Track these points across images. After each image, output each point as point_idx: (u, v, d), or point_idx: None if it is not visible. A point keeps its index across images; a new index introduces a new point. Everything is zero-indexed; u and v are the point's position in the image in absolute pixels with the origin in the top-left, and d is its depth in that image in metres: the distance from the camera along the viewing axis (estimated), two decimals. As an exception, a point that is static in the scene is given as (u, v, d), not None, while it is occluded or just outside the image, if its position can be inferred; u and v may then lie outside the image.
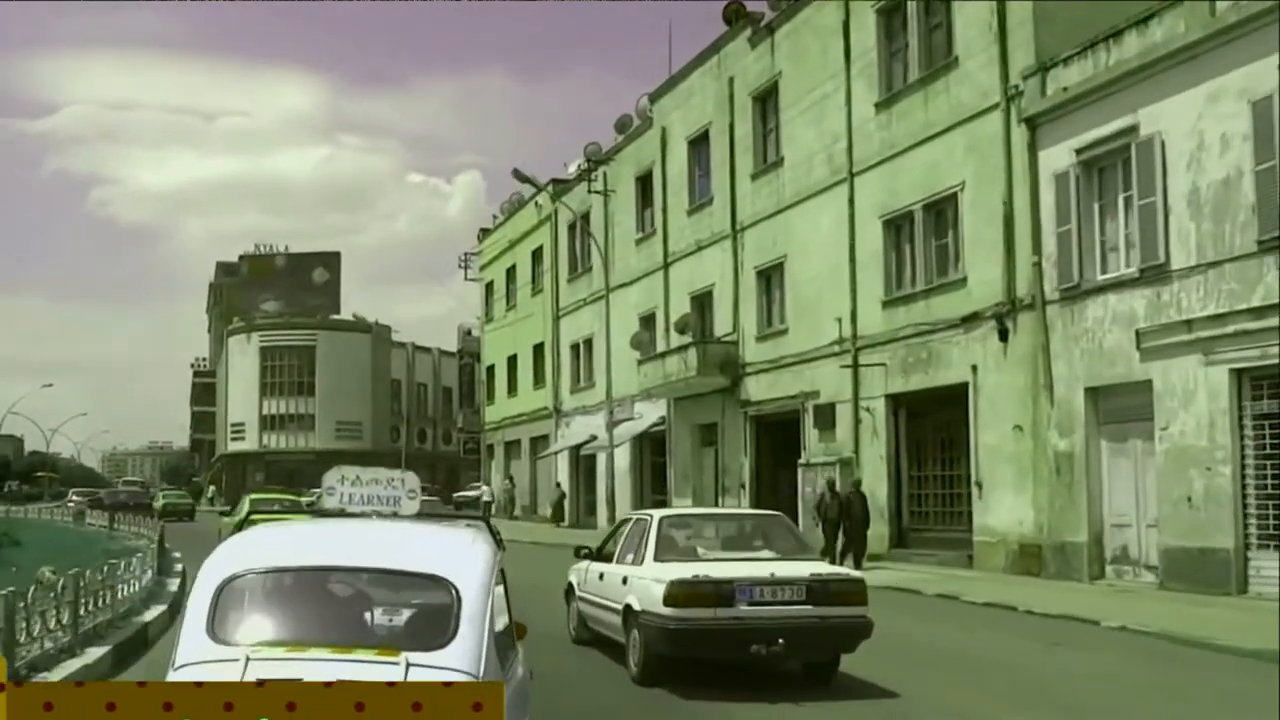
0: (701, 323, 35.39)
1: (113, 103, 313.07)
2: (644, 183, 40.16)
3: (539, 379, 50.21)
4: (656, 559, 10.57)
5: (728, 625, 9.87)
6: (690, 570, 10.14)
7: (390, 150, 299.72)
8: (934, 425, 25.72)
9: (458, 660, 4.60)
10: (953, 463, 24.94)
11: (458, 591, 4.84)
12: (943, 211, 25.14)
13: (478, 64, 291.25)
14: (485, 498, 48.57)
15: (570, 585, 13.03)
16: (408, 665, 4.45)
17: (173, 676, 4.55)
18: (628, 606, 10.59)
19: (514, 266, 53.60)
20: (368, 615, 5.34)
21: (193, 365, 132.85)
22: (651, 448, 39.88)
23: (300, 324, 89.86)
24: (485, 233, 58.89)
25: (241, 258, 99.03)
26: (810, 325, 29.56)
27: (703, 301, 35.68)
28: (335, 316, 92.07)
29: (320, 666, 4.34)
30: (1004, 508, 22.86)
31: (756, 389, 32.29)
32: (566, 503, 45.14)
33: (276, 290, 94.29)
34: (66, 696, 3.28)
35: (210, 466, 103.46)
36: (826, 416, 28.67)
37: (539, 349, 50.13)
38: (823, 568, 11.07)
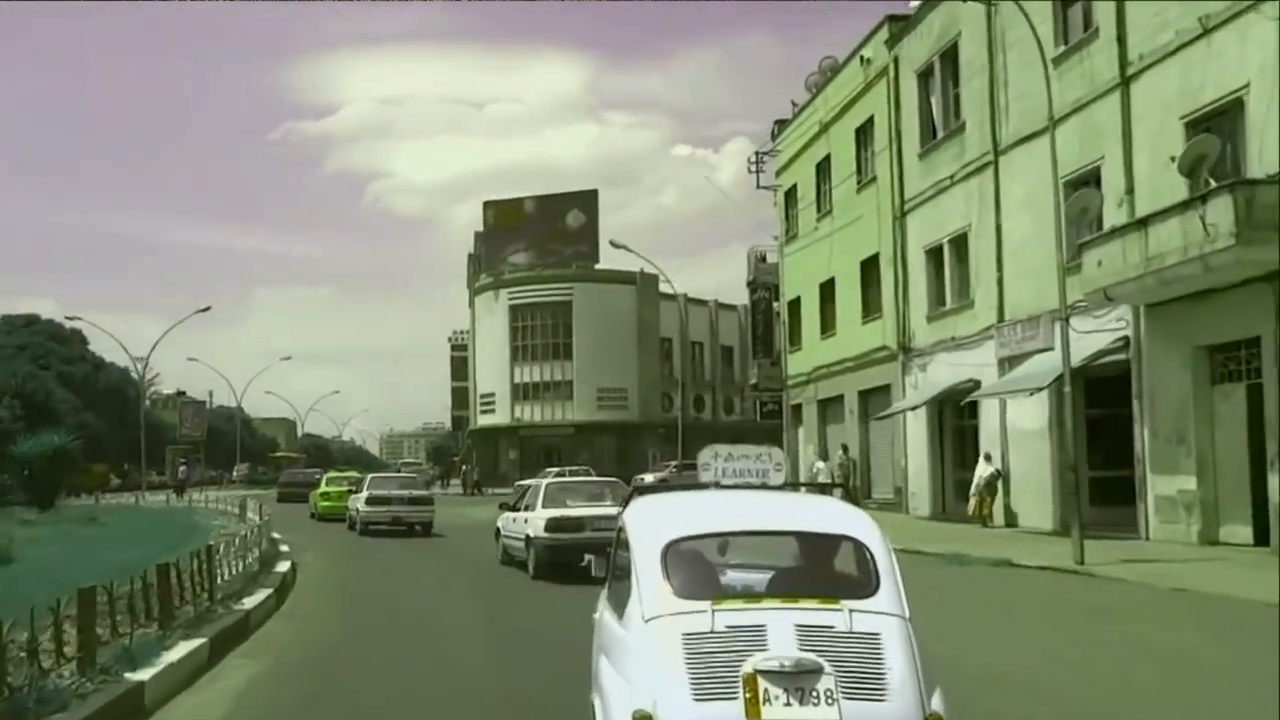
0: (1220, 161, 19.92)
1: (386, 98, 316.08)
2: (1065, -36, 24.88)
3: (871, 308, 35.42)
4: (543, 507, 18.75)
5: (580, 543, 15.82)
6: (560, 512, 18.37)
7: (656, 124, 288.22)
8: None
9: (887, 605, 5.03)
10: None
11: (869, 549, 5.29)
12: None
13: (736, 28, 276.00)
14: (821, 477, 34.19)
15: (497, 529, 21.54)
16: (850, 612, 4.89)
17: (646, 628, 4.98)
18: (527, 535, 18.78)
19: (827, 158, 38.80)
20: (795, 571, 5.67)
21: (450, 339, 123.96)
22: (1090, 392, 24.45)
23: (553, 276, 77.56)
24: (781, 125, 44.26)
25: (487, 205, 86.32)
26: None
27: (1214, 126, 20.22)
28: (597, 267, 79.04)
29: (777, 615, 4.89)
30: None
31: (1372, 262, 16.70)
32: (926, 484, 30.26)
33: (526, 239, 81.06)
34: None
35: (462, 445, 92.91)
36: None
37: (870, 265, 35.30)
38: None
